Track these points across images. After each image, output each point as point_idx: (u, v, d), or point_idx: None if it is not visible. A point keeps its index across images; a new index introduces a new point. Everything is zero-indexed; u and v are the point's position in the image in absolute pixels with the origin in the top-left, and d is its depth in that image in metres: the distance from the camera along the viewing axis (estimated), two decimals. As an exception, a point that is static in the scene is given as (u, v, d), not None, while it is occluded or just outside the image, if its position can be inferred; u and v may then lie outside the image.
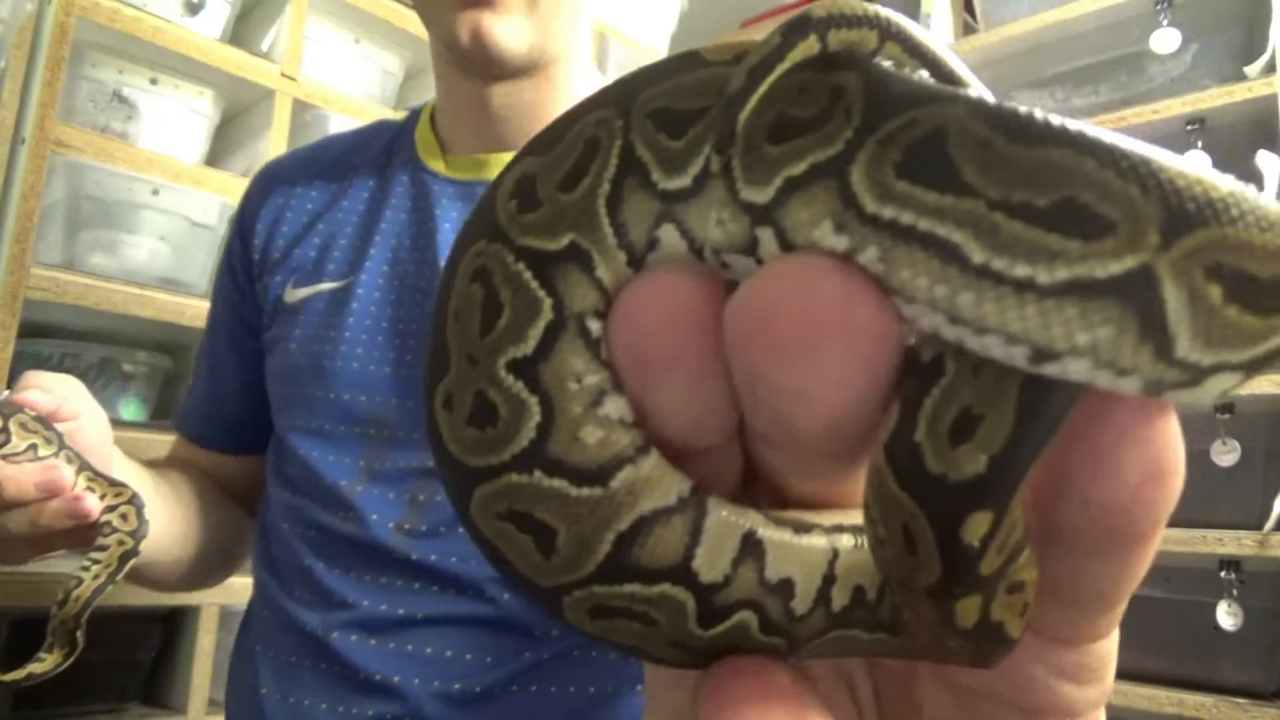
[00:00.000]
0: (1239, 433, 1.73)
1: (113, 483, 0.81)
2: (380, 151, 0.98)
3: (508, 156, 0.90)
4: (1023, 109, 0.17)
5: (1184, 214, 0.16)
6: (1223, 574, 1.67)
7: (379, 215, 0.92)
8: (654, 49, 2.38)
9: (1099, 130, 0.17)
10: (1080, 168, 0.16)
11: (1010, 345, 0.17)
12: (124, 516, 0.80)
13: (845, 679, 0.26)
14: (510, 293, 0.21)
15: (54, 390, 0.79)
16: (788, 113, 0.18)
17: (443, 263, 0.86)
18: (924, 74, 0.20)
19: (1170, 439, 0.19)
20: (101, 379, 1.67)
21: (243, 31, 1.87)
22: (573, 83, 0.92)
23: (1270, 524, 1.65)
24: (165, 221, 1.70)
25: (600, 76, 0.98)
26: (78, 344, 1.65)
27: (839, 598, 0.21)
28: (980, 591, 0.19)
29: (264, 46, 1.84)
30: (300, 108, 1.81)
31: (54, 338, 1.63)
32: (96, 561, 0.79)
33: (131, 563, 0.80)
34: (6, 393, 0.78)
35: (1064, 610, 0.21)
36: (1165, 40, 1.94)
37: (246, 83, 1.76)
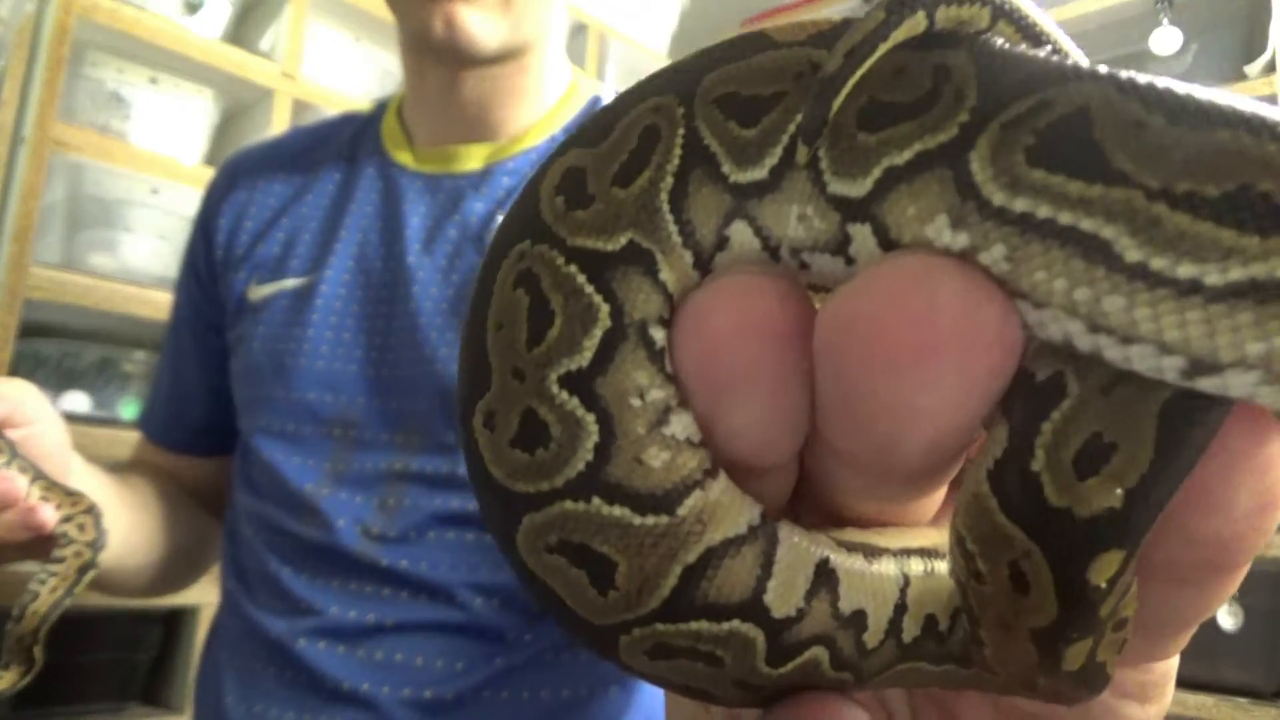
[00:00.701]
0: (1239, 433, 1.72)
1: (69, 492, 0.76)
2: (346, 144, 0.96)
3: (477, 148, 0.89)
4: (1180, 86, 0.15)
5: None
6: (1223, 574, 1.66)
7: (345, 209, 0.90)
8: (654, 49, 2.38)
9: (1275, 110, 0.15)
10: (1259, 152, 0.14)
11: (1162, 356, 0.15)
12: (81, 527, 0.76)
13: (880, 699, 0.25)
14: (561, 299, 0.18)
15: (5, 396, 0.76)
16: (881, 97, 0.17)
17: (410, 258, 0.84)
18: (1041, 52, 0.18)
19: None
20: (101, 379, 1.67)
21: (243, 31, 1.87)
22: (545, 71, 0.91)
23: (1270, 524, 1.64)
24: (165, 221, 1.70)
25: (569, 66, 0.97)
26: (78, 344, 1.65)
27: (910, 628, 0.20)
28: (1094, 634, 0.17)
29: (264, 46, 1.84)
30: (300, 107, 1.81)
31: (54, 337, 1.63)
32: (53, 574, 0.75)
33: (90, 574, 0.76)
34: None
35: (1143, 639, 0.19)
36: (1166, 40, 1.94)
37: (246, 82, 1.76)
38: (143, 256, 1.68)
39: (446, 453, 0.80)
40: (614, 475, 0.18)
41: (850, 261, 0.17)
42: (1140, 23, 1.98)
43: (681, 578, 0.18)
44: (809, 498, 0.21)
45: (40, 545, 0.74)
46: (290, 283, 0.88)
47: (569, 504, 0.18)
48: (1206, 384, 0.15)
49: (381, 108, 0.99)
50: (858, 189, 0.17)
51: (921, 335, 0.15)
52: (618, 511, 0.18)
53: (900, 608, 0.20)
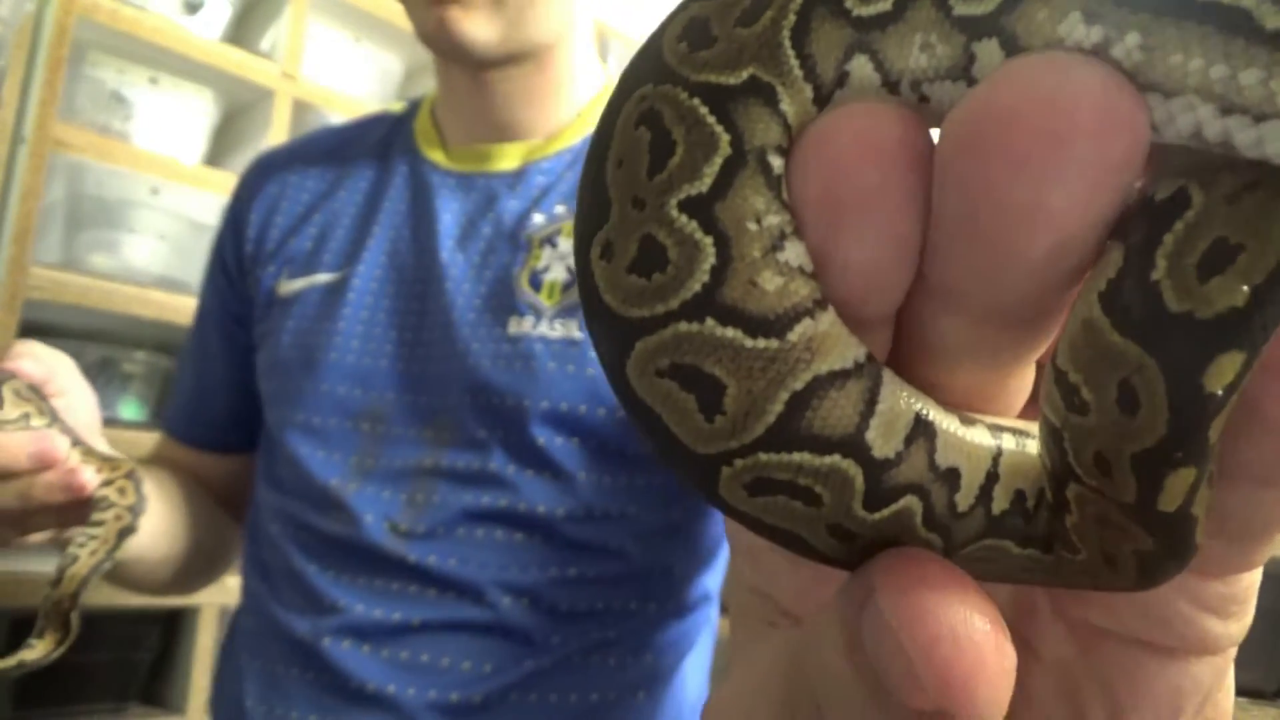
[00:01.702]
0: (1239, 432, 1.73)
1: (107, 457, 0.75)
2: (378, 142, 0.96)
3: (509, 147, 0.89)
4: None
5: None
6: (1223, 574, 1.67)
7: (378, 206, 0.90)
8: (654, 49, 2.38)
9: None
10: None
11: None
12: (121, 490, 0.75)
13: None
14: (684, 130, 0.19)
15: (42, 359, 0.75)
16: None
17: (443, 255, 0.84)
18: None
19: None
20: (101, 379, 1.67)
21: (243, 31, 1.87)
22: (573, 71, 0.91)
23: (1270, 524, 1.64)
24: (165, 221, 1.70)
25: (600, 64, 0.98)
26: (78, 344, 1.65)
27: (1000, 500, 0.20)
28: (1198, 464, 0.16)
29: (264, 46, 1.84)
30: (300, 107, 1.81)
31: (54, 337, 1.63)
32: (93, 538, 0.73)
33: (130, 539, 0.75)
34: None
35: (1225, 543, 0.19)
36: (1165, 40, 1.94)
37: (246, 82, 1.76)
38: (143, 256, 1.68)
39: (477, 448, 0.80)
40: (729, 297, 0.18)
41: (973, 83, 0.17)
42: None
43: (788, 404, 0.18)
44: (901, 371, 0.21)
45: (75, 511, 0.73)
46: (322, 278, 0.88)
47: (683, 325, 0.19)
48: None
49: (414, 106, 0.98)
50: (986, 6, 0.17)
51: (1057, 122, 0.15)
52: (730, 333, 0.18)
53: (992, 475, 0.20)
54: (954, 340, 0.19)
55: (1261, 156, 0.15)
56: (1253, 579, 0.20)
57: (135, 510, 0.75)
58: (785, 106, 0.18)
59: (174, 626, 1.67)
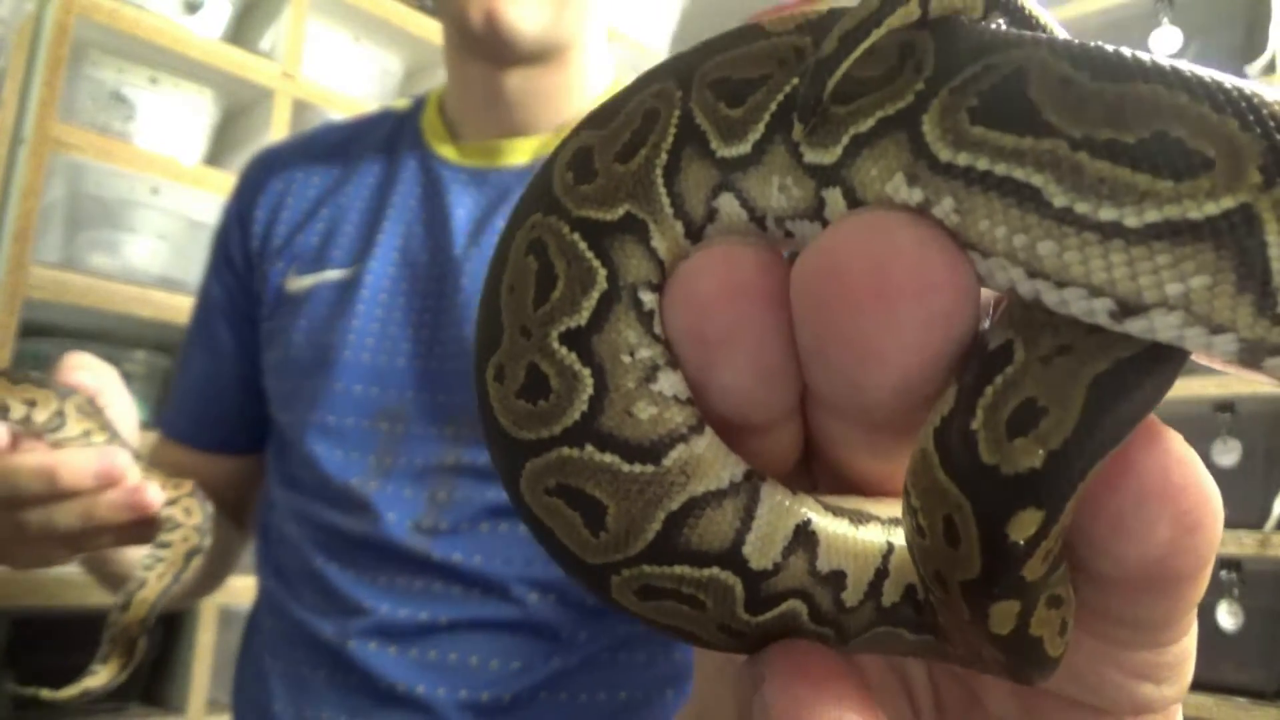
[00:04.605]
0: (1239, 432, 1.73)
1: (170, 474, 0.73)
2: (384, 139, 0.95)
3: (521, 141, 0.89)
4: (1110, 47, 0.16)
5: None
6: (1223, 574, 1.67)
7: (386, 202, 0.89)
8: (654, 49, 2.38)
9: (1194, 66, 0.15)
10: (1172, 102, 0.15)
11: (1093, 299, 0.16)
12: (187, 510, 0.72)
13: (899, 673, 0.26)
14: (565, 264, 0.20)
15: (94, 369, 0.73)
16: (854, 74, 0.18)
17: (457, 251, 0.83)
18: (1001, 23, 0.19)
19: (1203, 491, 0.17)
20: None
21: (243, 31, 1.87)
22: (588, 70, 0.91)
23: (1270, 524, 1.65)
24: (165, 221, 1.70)
25: (614, 66, 0.97)
26: (78, 343, 1.65)
27: (890, 593, 0.21)
28: (1020, 598, 0.17)
29: (264, 46, 1.84)
30: (300, 107, 1.81)
31: (54, 337, 1.63)
32: (160, 560, 0.71)
33: (197, 560, 0.72)
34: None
35: (1127, 630, 0.20)
36: (1165, 40, 1.94)
37: (246, 82, 1.76)
38: (143, 256, 1.68)
39: None
40: (606, 425, 0.20)
41: (826, 225, 0.19)
42: (1140, 23, 1.98)
43: (665, 523, 0.20)
44: (820, 463, 0.22)
45: (140, 530, 0.70)
46: (332, 274, 0.88)
47: (566, 450, 0.20)
48: (1135, 326, 0.16)
49: (420, 102, 0.97)
50: (829, 156, 0.18)
51: (879, 278, 0.17)
52: (609, 458, 0.20)
53: (881, 572, 0.21)
54: (844, 438, 0.21)
55: (1070, 315, 0.16)
56: (1185, 645, 0.21)
57: (202, 530, 0.73)
58: (656, 243, 0.20)
59: (174, 626, 1.67)
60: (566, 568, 0.22)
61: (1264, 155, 0.15)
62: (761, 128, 0.19)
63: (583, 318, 0.20)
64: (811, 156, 0.18)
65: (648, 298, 0.20)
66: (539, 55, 0.85)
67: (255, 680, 0.84)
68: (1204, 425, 1.74)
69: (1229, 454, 1.72)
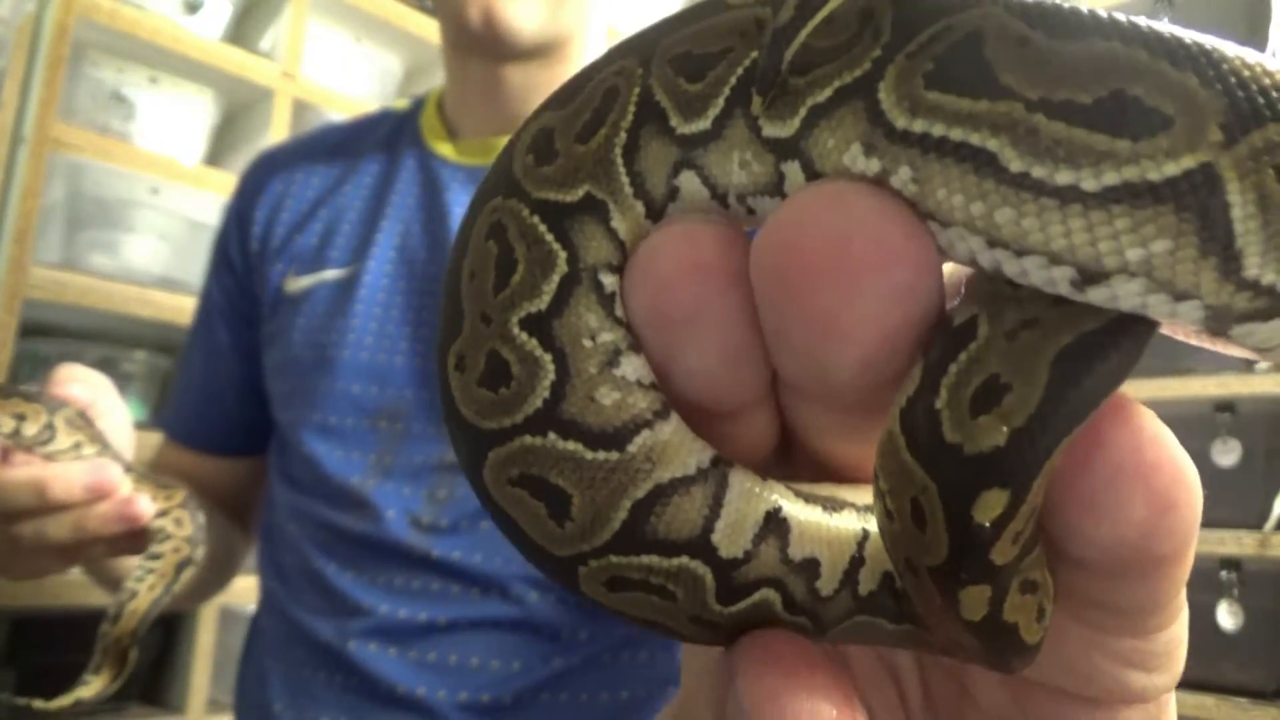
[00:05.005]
0: (1239, 432, 1.73)
1: (161, 484, 0.73)
2: (384, 139, 0.95)
3: None
4: (1069, 4, 0.15)
5: (1251, 106, 0.14)
6: (1223, 574, 1.67)
7: (385, 201, 0.90)
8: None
9: (1154, 22, 0.15)
10: (1130, 59, 0.14)
11: (1052, 267, 0.15)
12: (178, 521, 0.72)
13: (887, 664, 0.25)
14: (525, 247, 0.20)
15: (88, 382, 0.73)
16: (812, 44, 0.17)
17: None
18: None
19: (1178, 468, 0.17)
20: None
21: (243, 31, 1.87)
22: (585, 63, 0.89)
23: (1270, 524, 1.65)
24: (165, 221, 1.70)
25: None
26: (78, 344, 1.65)
27: (866, 581, 0.20)
28: (990, 582, 0.17)
29: (264, 46, 1.84)
30: (300, 107, 1.81)
31: (54, 337, 1.63)
32: (151, 571, 0.71)
33: (189, 571, 0.72)
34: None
35: (1113, 616, 0.20)
36: (1165, 40, 1.94)
37: (246, 82, 1.76)
38: (143, 256, 1.68)
39: None
40: (568, 412, 0.19)
41: None
42: (1140, 23, 1.98)
43: (631, 512, 0.19)
44: (796, 450, 0.22)
45: (131, 541, 0.70)
46: (330, 274, 0.88)
47: (528, 439, 0.20)
48: (1097, 295, 0.15)
49: (420, 102, 0.98)
50: (787, 129, 0.18)
51: (837, 252, 0.16)
52: (571, 446, 0.19)
53: (857, 560, 0.20)
54: (815, 422, 0.20)
55: (1031, 285, 0.16)
56: (1175, 632, 0.20)
57: (193, 541, 0.73)
58: (617, 224, 0.20)
59: (174, 626, 1.67)
60: (533, 560, 0.21)
61: (1225, 112, 0.14)
62: (721, 102, 0.19)
63: (543, 302, 0.19)
64: (770, 130, 0.18)
65: (609, 280, 0.20)
66: (537, 51, 0.85)
67: (256, 682, 0.84)
68: (1204, 425, 1.74)
69: (1229, 454, 1.72)
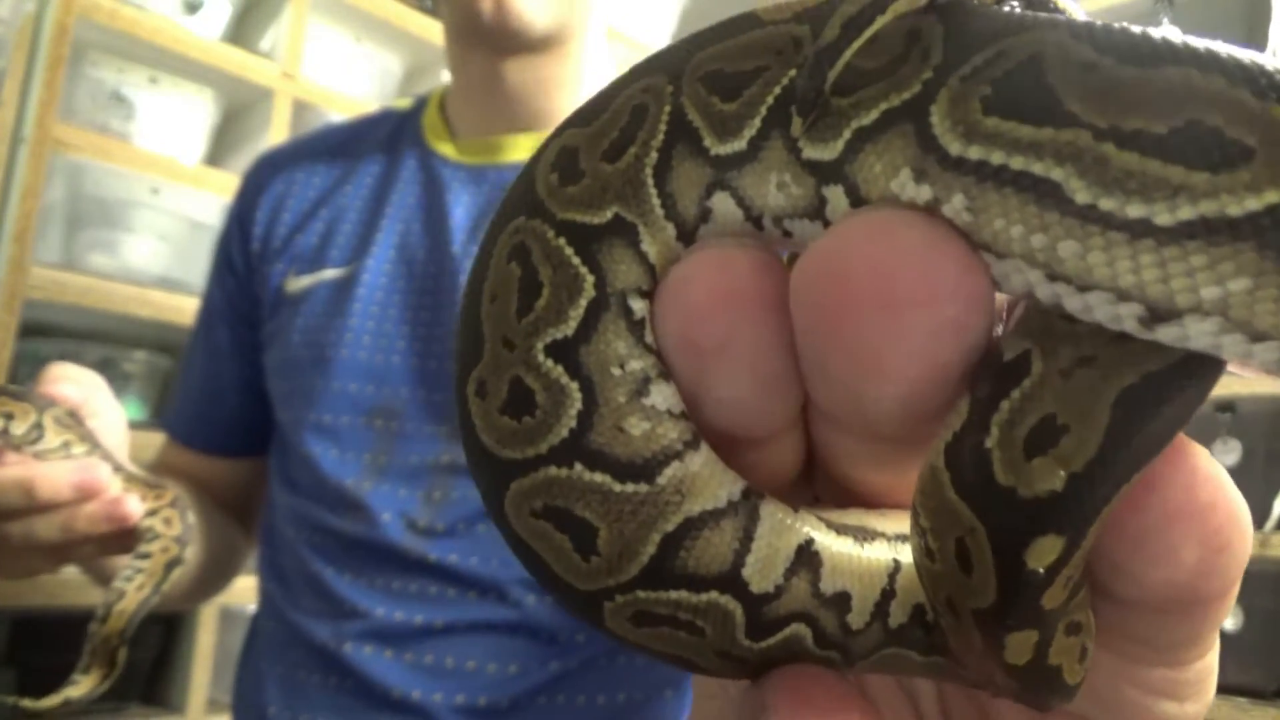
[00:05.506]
0: (1240, 432, 1.73)
1: (151, 484, 0.72)
2: (385, 138, 0.95)
3: (521, 138, 0.89)
4: (1136, 28, 0.15)
5: None
6: (1223, 574, 1.67)
7: (385, 200, 0.89)
8: (654, 49, 2.37)
9: (1230, 47, 0.14)
10: (1207, 86, 0.14)
11: (1119, 304, 0.14)
12: (167, 521, 0.72)
13: (905, 690, 0.25)
14: (550, 270, 0.19)
15: (80, 381, 0.73)
16: (856, 64, 0.17)
17: (455, 248, 0.83)
18: (1014, 5, 0.17)
19: (1232, 509, 0.16)
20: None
21: (243, 31, 1.87)
22: (586, 62, 0.90)
23: (1270, 524, 1.65)
24: (165, 221, 1.70)
25: (612, 59, 0.97)
26: (78, 344, 1.65)
27: (897, 614, 0.20)
28: (1038, 627, 0.16)
29: (264, 46, 1.84)
30: (300, 107, 1.81)
31: (54, 337, 1.63)
32: (140, 571, 0.70)
33: (177, 571, 0.72)
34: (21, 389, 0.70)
35: (1149, 650, 0.19)
36: (1165, 40, 1.94)
37: (246, 82, 1.76)
38: (143, 256, 1.68)
39: None
40: (595, 442, 0.19)
41: (828, 224, 0.17)
42: (1140, 22, 1.97)
43: (660, 546, 0.19)
44: (823, 474, 0.21)
45: (120, 541, 0.70)
46: (330, 274, 0.87)
47: (553, 470, 0.19)
48: (1166, 334, 0.14)
49: (422, 102, 0.97)
50: (830, 152, 0.17)
51: (884, 285, 0.15)
52: (599, 478, 0.19)
53: (888, 593, 0.20)
54: (847, 450, 0.20)
55: (1094, 321, 0.15)
56: (1207, 663, 0.20)
57: (182, 541, 0.73)
58: (647, 247, 0.19)
59: (174, 626, 1.67)
60: (556, 595, 0.20)
61: None
62: (758, 123, 0.18)
63: (569, 328, 0.19)
64: (811, 152, 0.17)
65: (638, 305, 0.19)
66: (543, 44, 0.85)
67: (253, 684, 0.84)
68: (1204, 425, 1.74)
69: (1229, 454, 1.72)
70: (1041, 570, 0.15)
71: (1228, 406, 1.74)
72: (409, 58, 2.05)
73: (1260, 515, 1.66)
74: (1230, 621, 1.65)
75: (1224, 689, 1.64)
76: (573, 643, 0.77)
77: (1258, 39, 1.88)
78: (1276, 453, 1.72)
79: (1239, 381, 1.76)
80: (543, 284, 0.19)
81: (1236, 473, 1.73)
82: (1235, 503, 0.17)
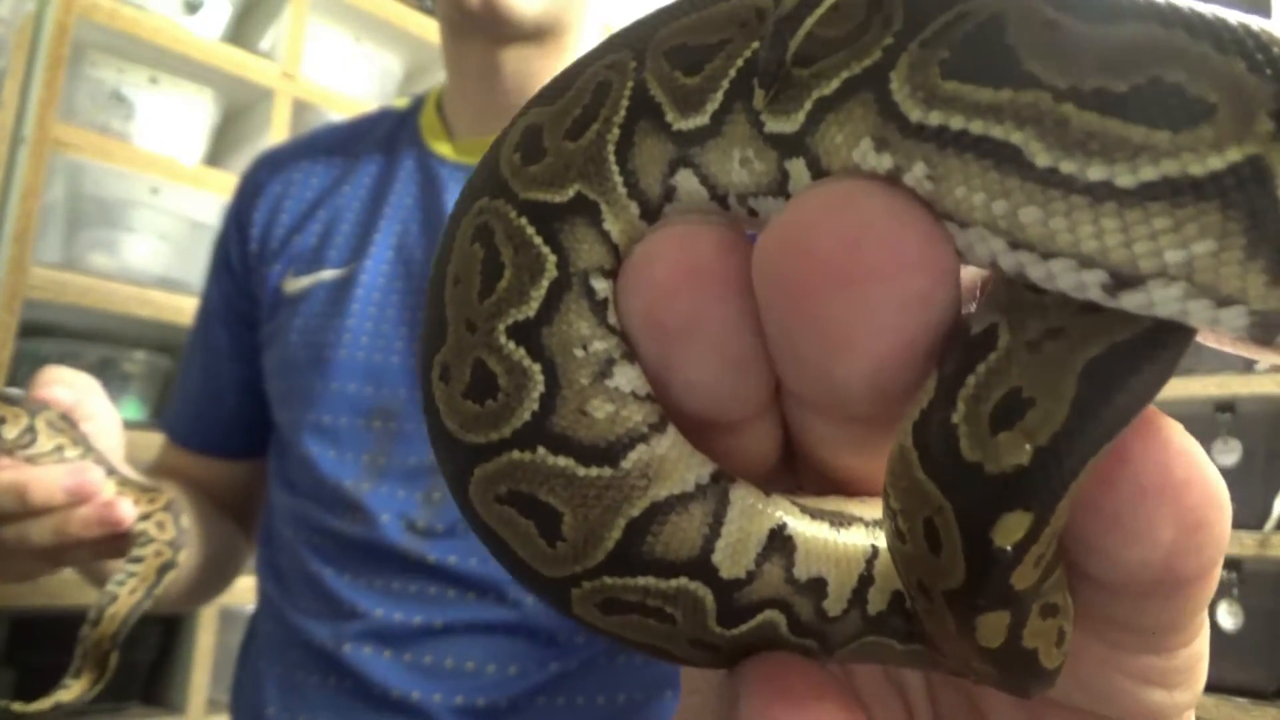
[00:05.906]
0: (1240, 432, 1.73)
1: (144, 487, 0.72)
2: (383, 138, 0.95)
3: None
4: None
5: None
6: (1223, 574, 1.66)
7: (383, 201, 0.89)
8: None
9: (1194, 1, 0.14)
10: (1170, 42, 0.13)
11: (1082, 270, 0.14)
12: (160, 524, 0.72)
13: (894, 681, 0.24)
14: (512, 251, 0.19)
15: (74, 385, 0.73)
16: (818, 33, 0.16)
17: None
18: None
19: (1208, 486, 0.16)
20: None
21: (243, 31, 1.87)
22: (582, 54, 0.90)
23: (1270, 524, 1.65)
24: (165, 221, 1.70)
25: None
26: (78, 344, 1.65)
27: (876, 601, 0.19)
28: (1009, 608, 0.16)
29: (264, 46, 1.84)
30: (300, 107, 1.81)
31: (54, 337, 1.63)
32: (133, 575, 0.70)
33: (170, 575, 0.72)
34: (16, 391, 0.70)
35: (1133, 635, 0.19)
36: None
37: (246, 82, 1.76)
38: (143, 256, 1.68)
39: None
40: (559, 425, 0.18)
41: None
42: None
43: (626, 531, 0.18)
44: (802, 462, 0.21)
45: (114, 544, 0.70)
46: (328, 274, 0.87)
47: (516, 454, 0.18)
48: (1131, 301, 0.14)
49: (419, 102, 0.97)
50: (791, 124, 0.16)
51: (847, 258, 0.15)
52: (562, 462, 0.18)
53: (866, 579, 0.19)
54: (822, 434, 0.19)
55: (1057, 290, 0.14)
56: (1197, 648, 0.19)
57: (175, 545, 0.72)
58: (609, 226, 0.18)
59: (174, 627, 1.67)
60: (523, 581, 0.20)
61: (1276, 100, 0.13)
62: (720, 96, 0.17)
63: (531, 309, 0.18)
64: (773, 125, 0.17)
65: (601, 286, 0.18)
66: (536, 34, 0.85)
67: (251, 684, 0.84)
68: (1204, 425, 1.74)
69: (1229, 454, 1.72)
70: (1009, 548, 0.15)
71: (1228, 406, 1.74)
72: (409, 58, 2.05)
73: (1260, 515, 1.66)
74: (1230, 621, 1.65)
75: (1224, 689, 1.64)
76: (572, 644, 0.77)
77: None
78: (1276, 453, 1.72)
79: (1239, 381, 1.76)
80: (505, 265, 0.19)
81: (1236, 473, 1.73)
82: (1212, 480, 0.16)
